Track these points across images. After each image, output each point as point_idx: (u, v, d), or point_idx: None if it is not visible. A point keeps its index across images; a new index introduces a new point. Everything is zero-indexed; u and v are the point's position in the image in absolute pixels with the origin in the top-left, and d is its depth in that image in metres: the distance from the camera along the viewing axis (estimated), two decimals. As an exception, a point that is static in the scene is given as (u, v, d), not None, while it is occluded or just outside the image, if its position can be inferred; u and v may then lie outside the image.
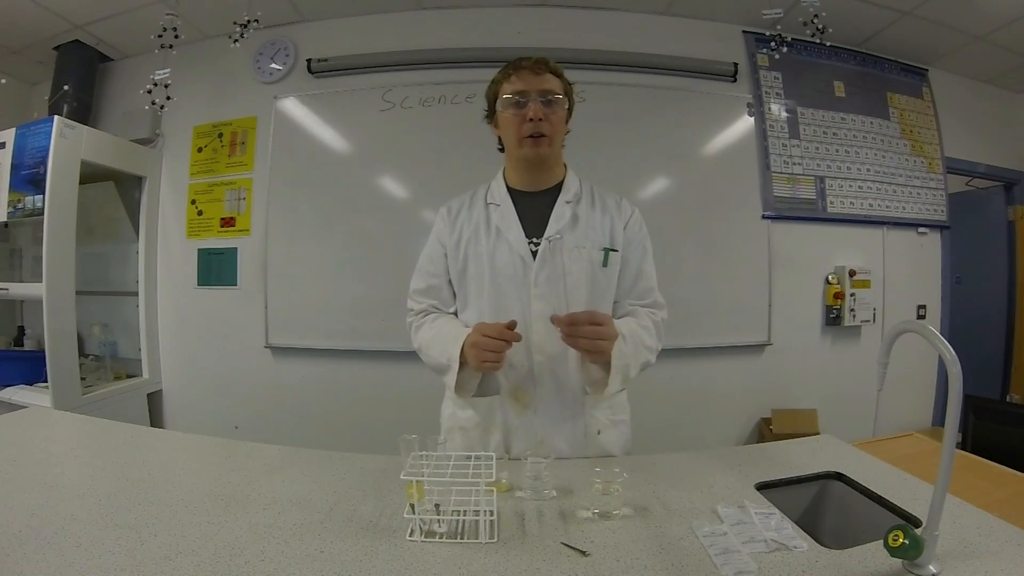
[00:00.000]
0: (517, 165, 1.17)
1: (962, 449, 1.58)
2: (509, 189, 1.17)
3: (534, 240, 1.12)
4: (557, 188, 1.17)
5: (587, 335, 0.98)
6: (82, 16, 2.53)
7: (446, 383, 1.10)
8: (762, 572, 0.69)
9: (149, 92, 2.20)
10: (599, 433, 1.15)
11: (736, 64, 2.70)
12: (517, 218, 1.14)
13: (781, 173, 2.71)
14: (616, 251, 1.15)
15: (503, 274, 1.11)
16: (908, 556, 0.68)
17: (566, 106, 1.13)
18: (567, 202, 1.15)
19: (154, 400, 2.81)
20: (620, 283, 1.16)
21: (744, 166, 2.68)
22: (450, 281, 1.20)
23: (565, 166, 1.21)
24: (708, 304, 2.60)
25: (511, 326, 0.99)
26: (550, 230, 1.12)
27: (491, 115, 1.17)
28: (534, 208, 1.15)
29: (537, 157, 1.11)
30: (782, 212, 2.69)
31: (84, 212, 2.42)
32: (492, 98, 1.15)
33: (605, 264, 1.13)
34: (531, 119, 1.07)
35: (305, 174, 2.63)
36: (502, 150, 1.20)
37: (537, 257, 1.11)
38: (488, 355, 1.00)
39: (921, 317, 2.89)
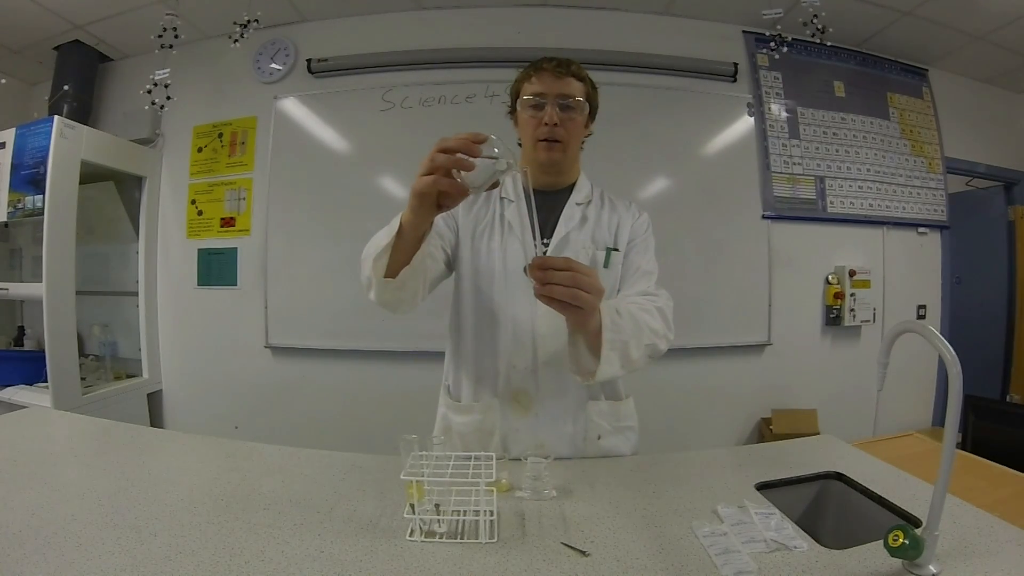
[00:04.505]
0: (532, 165, 1.16)
1: (962, 449, 1.58)
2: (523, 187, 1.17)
3: (544, 240, 1.12)
4: (570, 189, 1.18)
5: (564, 281, 0.76)
6: (82, 16, 2.53)
7: (375, 269, 0.88)
8: (762, 572, 0.69)
9: (149, 92, 2.20)
10: (599, 438, 1.14)
11: (736, 64, 2.70)
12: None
13: (781, 173, 2.71)
14: (618, 251, 1.14)
15: (511, 271, 1.11)
16: (908, 556, 0.68)
17: (586, 110, 1.11)
18: (577, 204, 1.16)
19: (154, 400, 2.81)
20: (621, 280, 1.15)
21: (744, 166, 2.68)
22: (445, 253, 1.10)
23: (579, 170, 1.21)
24: (708, 304, 2.60)
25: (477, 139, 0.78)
26: (559, 231, 1.12)
27: (513, 111, 1.17)
28: (546, 207, 1.14)
29: (549, 161, 1.11)
30: (782, 212, 2.69)
31: (84, 212, 2.42)
32: (514, 95, 1.16)
33: (606, 264, 1.12)
34: (546, 123, 1.06)
35: (305, 174, 2.63)
36: (521, 145, 1.19)
37: None
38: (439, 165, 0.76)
39: (921, 317, 2.89)
